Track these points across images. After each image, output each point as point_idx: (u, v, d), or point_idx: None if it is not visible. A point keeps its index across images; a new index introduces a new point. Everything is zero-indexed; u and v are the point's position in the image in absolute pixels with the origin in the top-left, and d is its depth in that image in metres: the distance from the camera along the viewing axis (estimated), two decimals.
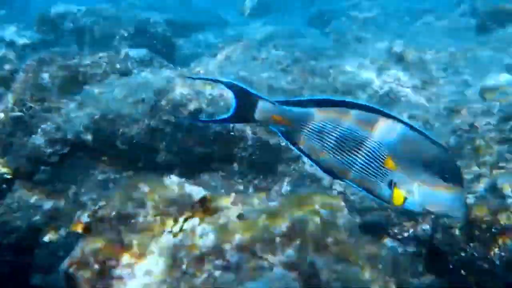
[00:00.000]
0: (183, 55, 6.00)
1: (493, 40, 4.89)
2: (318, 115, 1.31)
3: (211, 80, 1.53)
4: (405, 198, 1.23)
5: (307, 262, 0.98)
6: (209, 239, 0.99)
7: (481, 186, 2.12)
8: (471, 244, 2.08)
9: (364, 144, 1.25)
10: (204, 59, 4.15)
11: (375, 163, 1.24)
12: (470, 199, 2.16)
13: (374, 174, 1.24)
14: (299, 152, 1.31)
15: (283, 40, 4.58)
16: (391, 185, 1.24)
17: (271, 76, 3.08)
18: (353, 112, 1.28)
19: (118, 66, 3.23)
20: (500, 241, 1.96)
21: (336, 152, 1.27)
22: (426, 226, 2.51)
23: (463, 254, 2.14)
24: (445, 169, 1.23)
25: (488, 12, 5.39)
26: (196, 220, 1.04)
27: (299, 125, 1.31)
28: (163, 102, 2.37)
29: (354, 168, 1.25)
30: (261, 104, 1.33)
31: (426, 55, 3.84)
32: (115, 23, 5.25)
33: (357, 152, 1.25)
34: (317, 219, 1.09)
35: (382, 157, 1.24)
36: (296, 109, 1.33)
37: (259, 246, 0.99)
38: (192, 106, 2.38)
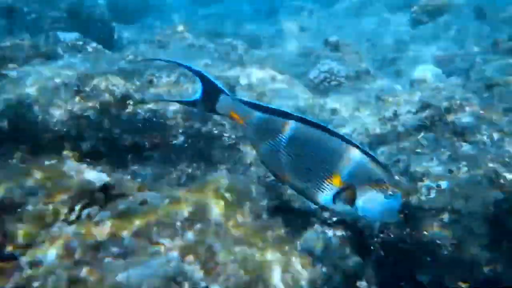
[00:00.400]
0: (124, 41, 5.77)
1: (425, 33, 5.19)
2: (279, 125, 1.35)
3: (179, 64, 1.52)
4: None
5: (205, 246, 0.99)
6: (106, 227, 0.97)
7: (397, 169, 2.25)
8: (389, 226, 2.22)
9: (317, 160, 1.31)
10: (141, 46, 4.03)
11: (324, 179, 1.30)
12: None
13: (319, 187, 1.30)
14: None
15: (226, 28, 4.56)
16: (337, 196, 1.32)
17: (207, 63, 3.04)
18: (313, 129, 1.35)
19: (43, 49, 3.05)
20: (411, 222, 2.11)
21: (289, 162, 1.31)
22: None
23: (382, 235, 2.28)
24: (388, 187, 1.33)
25: (422, 5, 5.66)
26: (94, 208, 1.01)
27: (255, 129, 1.35)
28: (87, 88, 2.26)
29: (302, 177, 1.31)
30: (222, 98, 1.37)
31: (361, 45, 4.00)
32: (47, 4, 4.92)
33: (309, 166, 1.30)
34: (221, 203, 1.10)
35: (331, 175, 1.31)
36: (258, 113, 1.37)
37: (157, 231, 0.98)
38: (118, 92, 2.30)
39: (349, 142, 1.36)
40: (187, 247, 0.98)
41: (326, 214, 2.67)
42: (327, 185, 1.32)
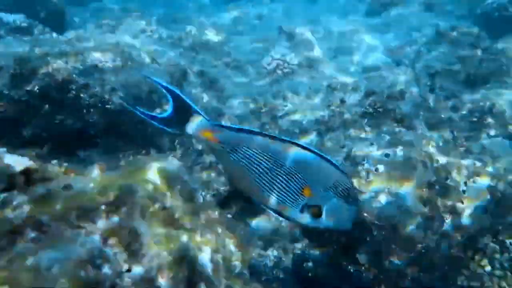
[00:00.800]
0: (76, 24, 5.53)
1: (379, 23, 5.34)
2: (252, 142, 1.38)
3: (152, 80, 1.48)
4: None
5: (129, 228, 0.99)
6: (24, 211, 0.95)
7: (342, 155, 2.33)
8: None
9: (288, 174, 1.37)
10: (92, 29, 3.88)
11: (295, 192, 1.38)
12: None
13: (292, 201, 1.38)
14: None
15: (183, 15, 4.48)
16: (304, 208, 1.40)
17: (157, 49, 2.99)
18: (284, 145, 1.39)
19: None
20: None
21: (261, 179, 1.37)
22: None
23: None
24: (349, 194, 1.44)
25: None
26: (13, 193, 0.99)
27: (228, 147, 1.37)
28: (26, 71, 2.17)
29: (274, 194, 1.38)
30: (195, 119, 1.37)
31: (315, 35, 4.07)
32: None
33: (281, 181, 1.37)
34: (150, 186, 1.11)
35: (302, 187, 1.38)
36: (229, 132, 1.39)
37: (78, 215, 0.97)
38: (60, 76, 2.22)
39: (312, 151, 1.42)
40: (110, 230, 0.99)
41: None
42: (300, 198, 1.39)
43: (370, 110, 2.54)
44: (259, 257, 2.66)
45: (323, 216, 1.43)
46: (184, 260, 1.02)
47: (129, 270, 0.95)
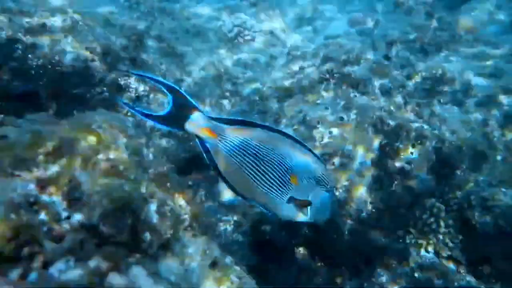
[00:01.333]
0: None
1: None
2: (247, 133, 1.42)
3: (151, 78, 1.45)
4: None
5: (68, 177, 0.98)
6: None
7: (298, 119, 2.37)
8: None
9: (278, 163, 1.42)
10: None
11: (284, 179, 1.43)
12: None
13: (280, 187, 1.43)
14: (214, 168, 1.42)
15: None
16: (291, 200, 1.44)
17: (112, 11, 2.87)
18: (275, 135, 1.45)
19: None
20: None
21: (253, 168, 1.41)
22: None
23: None
24: (329, 182, 1.49)
25: None
26: None
27: (223, 139, 1.41)
28: None
29: (263, 181, 1.42)
30: (195, 115, 1.39)
31: (281, 3, 4.03)
32: None
33: (272, 170, 1.42)
34: (92, 138, 1.09)
35: (288, 174, 1.43)
36: (222, 124, 1.42)
37: (14, 164, 0.95)
38: (3, 34, 2.09)
39: (298, 141, 1.47)
40: (48, 179, 0.97)
41: None
42: (288, 185, 1.44)
43: (327, 76, 2.58)
44: (220, 222, 2.70)
45: (310, 207, 1.48)
46: (127, 209, 1.03)
47: (68, 218, 0.94)
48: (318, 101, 2.54)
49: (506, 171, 2.55)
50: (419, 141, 2.26)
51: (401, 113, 2.39)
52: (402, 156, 2.26)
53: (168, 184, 1.29)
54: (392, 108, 2.37)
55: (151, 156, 1.34)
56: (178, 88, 1.40)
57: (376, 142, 2.24)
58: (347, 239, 2.26)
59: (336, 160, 2.20)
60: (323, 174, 1.49)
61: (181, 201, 1.31)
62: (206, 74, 3.07)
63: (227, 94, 3.06)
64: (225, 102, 3.03)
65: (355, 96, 2.43)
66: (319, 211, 1.52)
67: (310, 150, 1.49)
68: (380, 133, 2.26)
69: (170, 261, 1.14)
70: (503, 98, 2.81)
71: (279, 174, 1.43)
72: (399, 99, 2.49)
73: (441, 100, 3.04)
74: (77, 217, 0.95)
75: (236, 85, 3.03)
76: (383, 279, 2.45)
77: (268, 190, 1.43)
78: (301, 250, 2.55)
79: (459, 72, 3.00)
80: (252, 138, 1.43)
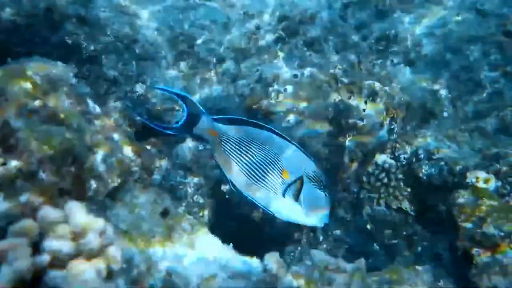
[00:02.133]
0: None
1: None
2: (244, 132, 1.59)
3: (163, 90, 1.81)
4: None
5: (1, 123, 0.94)
6: None
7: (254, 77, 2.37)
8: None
9: (270, 158, 1.56)
10: None
11: (276, 173, 1.55)
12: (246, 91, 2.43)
13: (274, 181, 1.55)
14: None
15: None
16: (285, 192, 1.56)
17: None
18: (265, 133, 1.61)
19: None
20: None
21: (248, 163, 1.57)
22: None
23: None
24: (321, 180, 1.64)
25: None
26: None
27: (223, 138, 1.58)
28: None
29: (259, 179, 1.55)
30: (203, 119, 1.60)
31: None
32: None
33: (265, 164, 1.55)
34: (27, 85, 1.04)
35: (281, 169, 1.56)
36: (224, 127, 1.61)
37: None
38: None
39: (289, 141, 1.64)
40: None
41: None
42: (281, 179, 1.56)
43: (283, 35, 2.57)
44: (180, 184, 2.70)
45: (302, 201, 1.59)
46: (69, 156, 1.00)
47: (4, 164, 0.91)
48: (275, 61, 2.54)
49: (451, 126, 2.70)
50: (371, 98, 2.33)
51: (354, 71, 2.44)
52: (355, 113, 2.33)
53: (117, 136, 1.27)
54: (345, 66, 2.41)
55: (98, 109, 1.31)
56: (189, 97, 1.64)
57: (330, 99, 2.29)
58: None
59: (292, 118, 2.24)
60: (314, 172, 1.62)
61: (130, 153, 1.30)
62: (161, 35, 2.97)
63: (185, 56, 2.99)
64: (182, 64, 2.97)
65: (310, 54, 2.46)
66: (314, 210, 1.63)
67: (301, 149, 1.62)
68: (334, 91, 2.31)
69: (120, 210, 1.14)
70: (451, 57, 2.93)
71: (272, 168, 1.55)
72: (352, 58, 2.54)
73: (394, 60, 3.13)
74: (14, 163, 0.92)
75: (192, 47, 2.96)
76: (337, 232, 2.57)
77: (262, 184, 1.56)
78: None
79: (411, 33, 3.08)
80: (248, 137, 1.58)
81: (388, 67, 3.00)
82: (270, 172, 1.57)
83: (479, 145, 2.62)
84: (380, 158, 2.59)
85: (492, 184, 1.89)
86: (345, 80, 2.32)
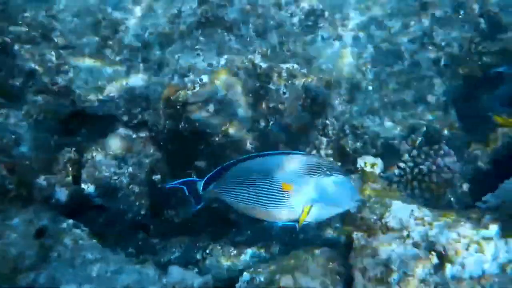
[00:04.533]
0: None
1: None
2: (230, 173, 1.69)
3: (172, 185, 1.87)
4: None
5: None
6: None
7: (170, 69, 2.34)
8: (167, 121, 2.38)
9: (265, 181, 1.58)
10: None
11: (276, 191, 1.55)
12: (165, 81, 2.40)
13: (279, 199, 1.55)
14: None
15: None
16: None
17: None
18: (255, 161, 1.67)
19: None
20: (184, 116, 2.29)
21: (250, 197, 1.61)
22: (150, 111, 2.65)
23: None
24: (325, 166, 1.60)
25: None
26: None
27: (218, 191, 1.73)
28: None
29: (267, 206, 1.57)
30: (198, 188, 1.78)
31: None
32: None
33: (263, 189, 1.58)
34: None
35: (279, 184, 1.55)
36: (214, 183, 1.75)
37: None
38: None
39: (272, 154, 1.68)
40: None
41: (125, 117, 2.69)
42: (285, 195, 1.56)
43: (203, 19, 2.52)
44: (114, 175, 2.70)
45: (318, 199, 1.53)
46: None
47: None
48: (197, 46, 2.50)
49: (375, 100, 2.79)
50: (289, 81, 2.36)
51: (274, 54, 2.45)
52: (274, 97, 2.36)
53: None
54: (265, 49, 2.41)
55: None
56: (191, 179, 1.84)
57: (249, 86, 2.31)
58: None
59: (211, 107, 2.25)
60: (312, 163, 1.56)
61: (3, 171, 1.28)
62: (82, 20, 2.84)
63: (109, 42, 2.89)
64: (108, 51, 2.87)
65: (230, 39, 2.43)
66: (334, 197, 1.53)
67: (291, 152, 1.65)
68: (253, 77, 2.32)
69: None
70: (375, 31, 2.98)
71: (270, 189, 1.57)
72: (274, 40, 2.53)
73: (324, 36, 3.14)
74: None
75: (116, 32, 2.86)
76: None
77: (271, 207, 1.57)
78: None
79: (339, 8, 3.09)
80: (234, 177, 1.65)
81: (317, 43, 3.02)
82: (272, 194, 1.59)
83: (399, 116, 2.75)
84: (311, 135, 2.66)
85: (378, 168, 2.00)
86: (264, 65, 2.33)
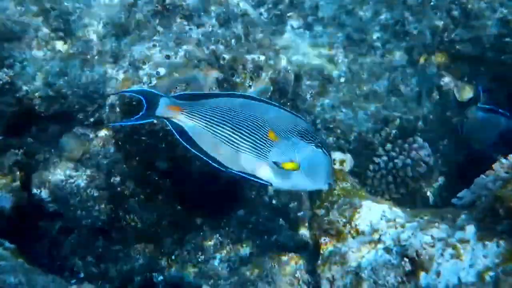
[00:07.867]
0: None
1: None
2: (209, 102, 1.43)
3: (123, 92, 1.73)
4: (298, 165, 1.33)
5: None
6: None
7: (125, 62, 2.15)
8: (124, 119, 2.19)
9: (250, 121, 1.37)
10: None
11: (260, 135, 1.35)
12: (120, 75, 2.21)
13: (261, 145, 1.34)
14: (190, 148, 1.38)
15: None
16: (277, 164, 1.33)
17: None
18: (239, 100, 1.43)
19: None
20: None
21: (225, 134, 1.37)
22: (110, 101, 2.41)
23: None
24: (315, 137, 1.40)
25: None
26: None
27: (189, 112, 1.42)
28: None
29: (242, 147, 1.35)
30: (162, 99, 1.44)
31: None
32: None
33: (245, 128, 1.37)
34: None
35: (265, 130, 1.36)
36: (189, 101, 1.44)
37: None
38: None
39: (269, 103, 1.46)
40: None
41: (81, 115, 2.48)
42: (268, 142, 1.35)
43: (160, 8, 2.33)
44: (70, 178, 2.50)
45: (301, 166, 1.34)
46: None
47: None
48: (155, 37, 2.31)
49: (347, 92, 2.68)
50: (255, 74, 2.21)
51: (238, 45, 2.29)
52: (240, 91, 2.21)
53: None
54: (229, 39, 2.25)
55: None
56: (145, 88, 1.67)
57: (211, 79, 2.14)
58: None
59: None
60: (306, 128, 1.38)
61: None
62: (27, 10, 2.59)
63: (60, 34, 2.65)
64: (59, 44, 2.64)
65: (190, 29, 2.25)
66: (314, 172, 1.37)
67: (285, 109, 1.43)
68: (215, 69, 2.16)
69: None
70: (346, 19, 2.85)
71: (254, 130, 1.36)
72: (239, 29, 2.37)
73: (294, 25, 3.01)
74: None
75: (68, 23, 2.63)
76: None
77: (247, 151, 1.35)
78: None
79: None
80: (218, 106, 1.40)
81: (286, 33, 2.88)
82: (254, 134, 1.36)
83: (372, 108, 2.64)
84: None
85: (348, 165, 1.89)
86: (227, 56, 2.17)
